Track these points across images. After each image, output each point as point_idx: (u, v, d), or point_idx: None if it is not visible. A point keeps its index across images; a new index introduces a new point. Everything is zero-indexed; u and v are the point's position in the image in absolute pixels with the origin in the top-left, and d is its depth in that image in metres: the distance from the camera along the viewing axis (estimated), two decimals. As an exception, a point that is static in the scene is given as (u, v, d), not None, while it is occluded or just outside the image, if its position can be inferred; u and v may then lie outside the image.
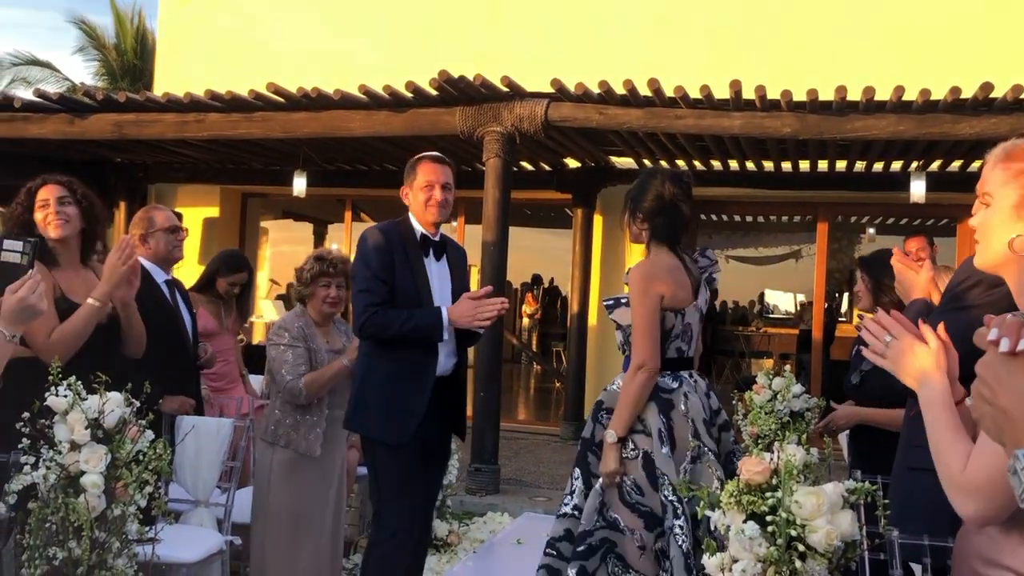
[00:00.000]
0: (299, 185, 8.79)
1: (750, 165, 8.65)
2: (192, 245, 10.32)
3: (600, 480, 3.08)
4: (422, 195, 3.39)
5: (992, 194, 1.71)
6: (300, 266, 3.92)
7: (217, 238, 10.61)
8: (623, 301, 3.19)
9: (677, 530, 2.87)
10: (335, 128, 7.24)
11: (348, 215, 10.82)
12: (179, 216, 4.42)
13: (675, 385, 3.10)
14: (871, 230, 12.40)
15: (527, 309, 15.44)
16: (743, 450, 3.12)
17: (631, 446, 3.04)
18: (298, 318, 3.84)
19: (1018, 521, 1.44)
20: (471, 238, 8.44)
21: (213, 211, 10.69)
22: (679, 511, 2.90)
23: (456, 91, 6.65)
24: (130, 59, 18.85)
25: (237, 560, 4.47)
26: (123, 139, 7.99)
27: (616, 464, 3.02)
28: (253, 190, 10.88)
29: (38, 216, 3.15)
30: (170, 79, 10.15)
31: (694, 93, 6.36)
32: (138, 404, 2.54)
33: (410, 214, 3.46)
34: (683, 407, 3.05)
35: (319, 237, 13.61)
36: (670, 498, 2.91)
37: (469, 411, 7.42)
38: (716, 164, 8.69)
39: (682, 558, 2.84)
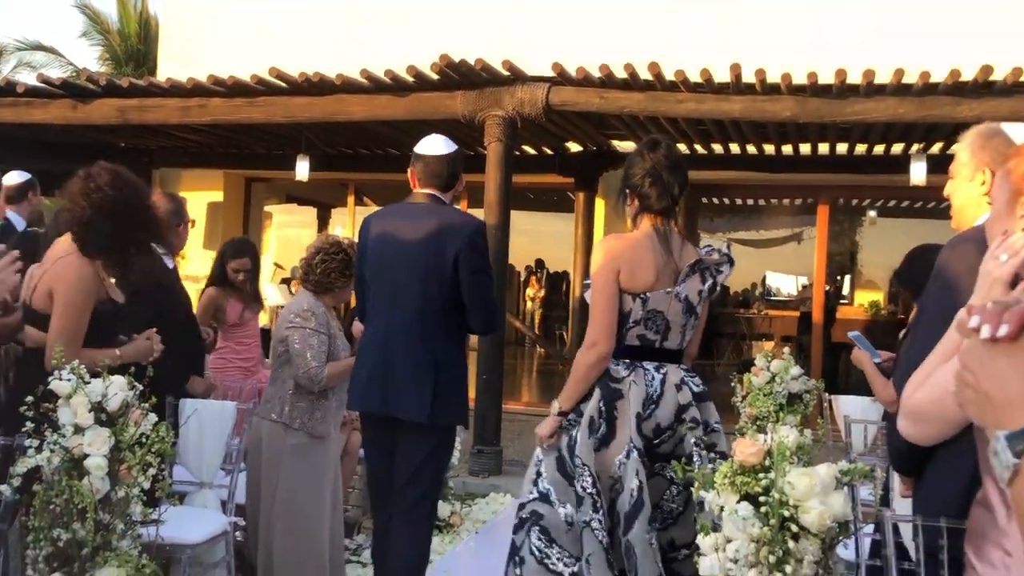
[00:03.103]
0: (302, 169, 8.81)
1: (751, 149, 8.64)
2: (197, 230, 10.33)
3: (538, 449, 3.04)
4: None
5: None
6: (317, 254, 3.86)
7: (222, 222, 10.62)
8: None
9: (595, 524, 2.78)
10: (336, 112, 7.25)
11: (351, 199, 10.83)
12: (183, 202, 4.47)
13: (625, 374, 2.93)
14: (872, 213, 12.41)
15: (531, 292, 15.48)
16: (707, 457, 2.88)
17: (568, 424, 2.98)
18: (317, 304, 3.84)
19: (1011, 505, 1.49)
20: (473, 222, 8.45)
21: (217, 195, 10.70)
22: (598, 504, 2.79)
23: (457, 75, 6.65)
24: (134, 44, 18.81)
25: (243, 541, 4.54)
26: (126, 124, 8.01)
27: (549, 431, 2.97)
28: (256, 174, 10.89)
29: None
30: (173, 64, 10.15)
31: (695, 77, 6.36)
32: (141, 388, 2.57)
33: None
34: (629, 397, 2.89)
35: (322, 221, 13.63)
36: (588, 490, 2.81)
37: (472, 393, 7.49)
38: (717, 148, 8.69)
39: (602, 552, 2.77)
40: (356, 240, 3.73)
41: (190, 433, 3.79)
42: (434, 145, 3.50)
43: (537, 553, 2.91)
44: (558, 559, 2.89)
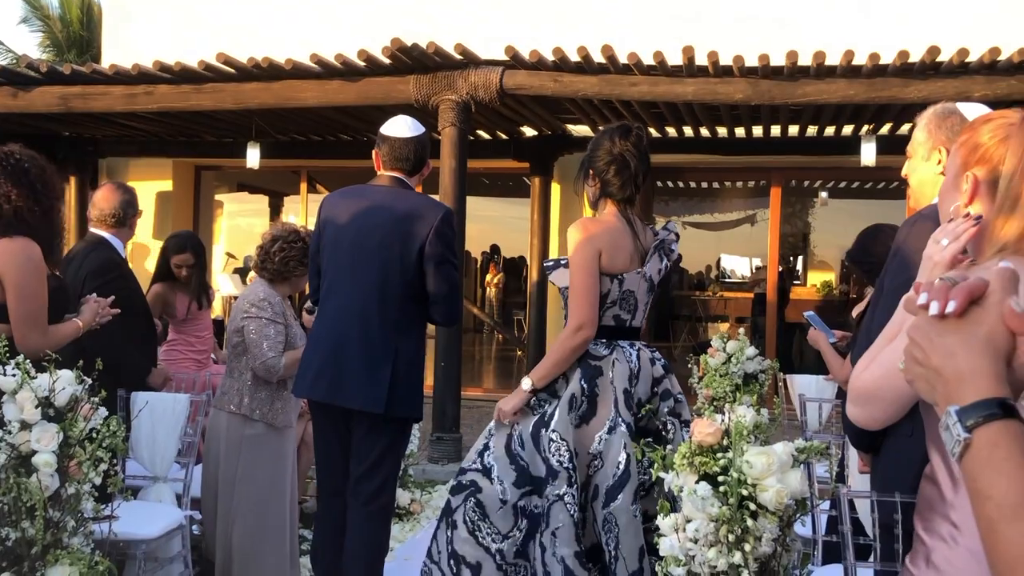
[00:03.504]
0: (253, 157, 8.68)
1: (704, 131, 8.70)
2: (146, 220, 10.15)
3: (492, 423, 3.08)
4: None
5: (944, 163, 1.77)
6: (275, 243, 3.80)
7: (171, 212, 10.45)
8: (563, 262, 3.08)
9: (568, 498, 2.82)
10: (287, 98, 7.15)
11: (303, 187, 10.70)
12: (132, 191, 4.38)
13: (606, 352, 2.99)
14: (823, 194, 12.57)
15: (490, 278, 15.45)
16: (679, 423, 3.01)
17: (536, 402, 3.01)
18: (273, 293, 3.78)
19: (959, 478, 1.51)
20: (428, 208, 8.40)
21: (166, 185, 10.52)
22: (572, 479, 2.84)
23: (410, 59, 6.59)
24: (76, 30, 18.37)
25: (199, 535, 4.47)
26: (70, 112, 7.81)
27: (514, 408, 3.00)
28: (206, 163, 10.71)
29: None
30: (117, 50, 9.91)
31: (648, 60, 6.37)
32: (90, 381, 2.51)
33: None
34: (610, 374, 2.96)
35: (275, 210, 13.47)
36: (565, 464, 2.85)
37: (430, 380, 7.47)
38: (671, 131, 8.73)
39: (572, 527, 2.81)
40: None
41: (142, 426, 3.72)
42: (402, 127, 3.35)
43: (470, 524, 2.97)
44: (487, 534, 2.94)
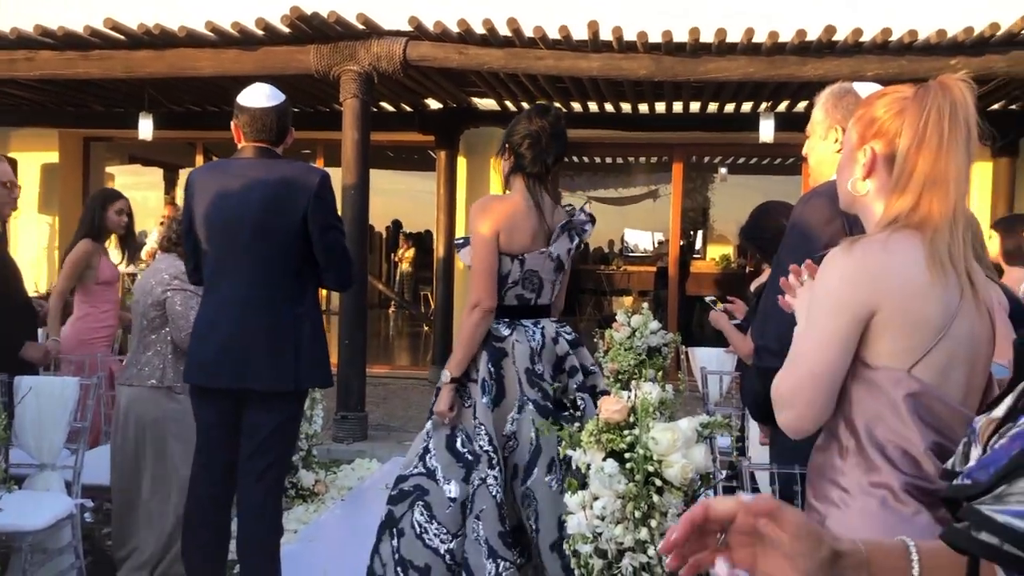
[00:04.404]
0: (145, 128, 8.33)
1: (609, 107, 8.75)
2: (30, 194, 9.68)
3: (429, 423, 3.06)
4: None
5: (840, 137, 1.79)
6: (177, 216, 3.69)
7: (58, 185, 9.99)
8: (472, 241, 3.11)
9: (491, 480, 2.85)
10: (181, 68, 6.87)
11: (200, 159, 10.36)
12: (13, 164, 4.13)
13: (507, 332, 3.01)
14: (723, 170, 12.85)
15: (402, 252, 15.21)
16: (592, 396, 3.03)
17: (468, 394, 3.03)
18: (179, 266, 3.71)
19: (847, 447, 1.57)
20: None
21: (52, 156, 10.04)
22: (494, 461, 2.87)
23: (310, 28, 6.41)
24: (-51, -10, 17.30)
25: (92, 523, 4.30)
26: (-58, 78, 7.35)
27: (447, 405, 3.00)
28: (95, 134, 10.27)
29: None
30: (-5, 13, 9.36)
31: (554, 34, 6.35)
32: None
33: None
34: (512, 355, 2.98)
35: (169, 183, 13.02)
36: (485, 448, 2.88)
37: (334, 359, 7.34)
38: (576, 106, 8.75)
39: (495, 509, 2.83)
40: None
41: (27, 412, 3.53)
42: (260, 96, 3.19)
43: (417, 528, 2.96)
44: (435, 535, 2.94)
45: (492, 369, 2.97)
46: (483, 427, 2.92)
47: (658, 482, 2.18)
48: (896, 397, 1.51)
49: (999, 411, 0.91)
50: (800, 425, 1.58)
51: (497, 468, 2.88)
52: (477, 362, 3.01)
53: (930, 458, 1.52)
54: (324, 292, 7.93)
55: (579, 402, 2.98)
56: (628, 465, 2.19)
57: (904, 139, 1.56)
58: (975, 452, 0.94)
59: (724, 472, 3.33)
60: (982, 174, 8.46)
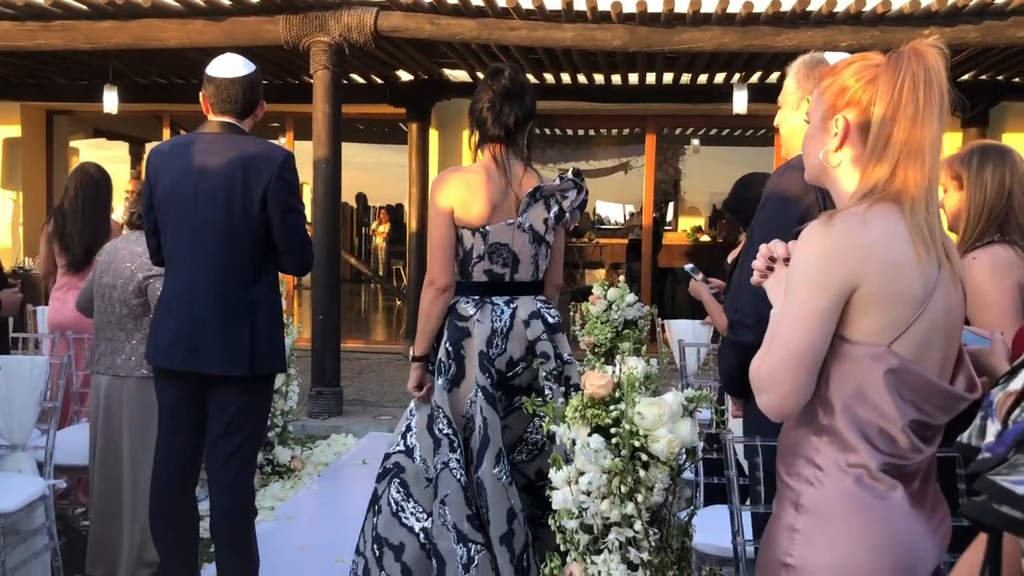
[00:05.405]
0: (110, 101, 8.16)
1: (581, 78, 8.69)
2: (-10, 168, 9.48)
3: (412, 401, 3.02)
4: None
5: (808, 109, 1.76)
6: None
7: (21, 160, 9.79)
8: None
9: (453, 464, 2.79)
10: (147, 39, 6.72)
11: (167, 132, 10.20)
12: None
13: (473, 311, 2.90)
14: (695, 141, 12.83)
15: (376, 226, 15.03)
16: (560, 387, 2.90)
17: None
18: None
19: (823, 425, 1.57)
20: (302, 155, 8.09)
21: (14, 130, 9.83)
22: (455, 444, 2.81)
23: (278, -2, 6.29)
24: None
25: (65, 502, 4.24)
26: (-103, 50, 7.14)
27: (414, 383, 2.97)
28: (59, 107, 10.08)
29: None
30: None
31: (527, 4, 6.27)
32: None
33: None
34: (473, 335, 2.88)
35: (135, 157, 12.78)
36: (445, 431, 2.81)
37: (308, 334, 7.28)
38: (549, 77, 8.69)
39: (460, 491, 2.78)
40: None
41: (-4, 393, 3.46)
42: (229, 66, 3.10)
43: (393, 505, 2.92)
44: (411, 513, 2.90)
45: (450, 349, 2.88)
46: (440, 409, 2.84)
47: (644, 457, 2.17)
48: (876, 373, 1.50)
49: (1016, 384, 0.90)
50: (783, 406, 1.56)
51: (459, 451, 2.81)
52: (438, 341, 2.93)
53: (907, 435, 1.52)
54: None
55: (546, 391, 2.85)
56: (614, 440, 2.18)
57: (879, 107, 1.53)
58: (992, 427, 0.93)
59: (704, 445, 3.34)
60: (952, 144, 8.52)
